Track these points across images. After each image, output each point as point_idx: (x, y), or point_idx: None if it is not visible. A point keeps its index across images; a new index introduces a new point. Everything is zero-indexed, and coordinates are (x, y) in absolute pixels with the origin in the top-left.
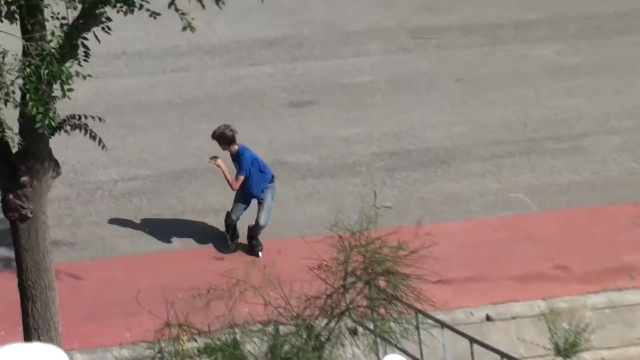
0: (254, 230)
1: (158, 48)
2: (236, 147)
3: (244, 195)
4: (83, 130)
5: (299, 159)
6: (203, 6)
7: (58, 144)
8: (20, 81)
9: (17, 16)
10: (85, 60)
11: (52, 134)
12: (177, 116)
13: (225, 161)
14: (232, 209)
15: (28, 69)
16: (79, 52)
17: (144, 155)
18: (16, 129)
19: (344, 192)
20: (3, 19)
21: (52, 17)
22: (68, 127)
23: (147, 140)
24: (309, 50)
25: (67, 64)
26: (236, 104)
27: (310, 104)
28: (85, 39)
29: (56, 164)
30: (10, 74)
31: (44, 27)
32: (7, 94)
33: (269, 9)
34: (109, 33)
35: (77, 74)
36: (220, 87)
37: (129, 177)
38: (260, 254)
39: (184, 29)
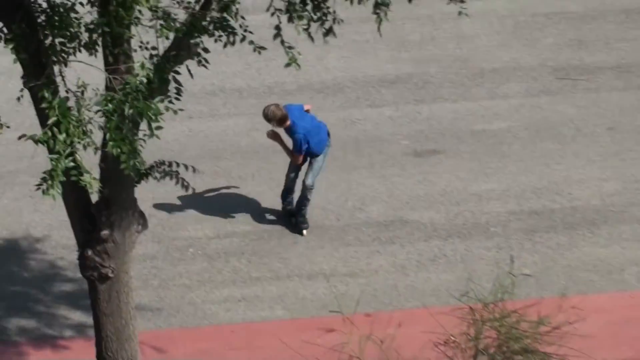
0: (301, 197)
1: (261, 85)
2: (289, 123)
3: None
4: (174, 179)
5: (423, 217)
6: (312, 39)
7: (144, 193)
8: (102, 121)
9: (98, 46)
10: (177, 99)
11: (138, 182)
12: (282, 164)
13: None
14: (288, 169)
15: (110, 104)
16: (169, 88)
17: (244, 209)
18: (96, 175)
19: (475, 256)
20: (82, 48)
21: (139, 47)
22: (157, 175)
23: (247, 191)
24: (436, 91)
25: (156, 100)
26: (351, 152)
27: (436, 153)
28: (178, 73)
29: (142, 217)
30: (89, 110)
31: (130, 58)
32: (84, 132)
33: (390, 42)
34: (205, 67)
35: (167, 109)
36: (333, 131)
37: (226, 234)
38: (304, 232)
39: (288, 65)
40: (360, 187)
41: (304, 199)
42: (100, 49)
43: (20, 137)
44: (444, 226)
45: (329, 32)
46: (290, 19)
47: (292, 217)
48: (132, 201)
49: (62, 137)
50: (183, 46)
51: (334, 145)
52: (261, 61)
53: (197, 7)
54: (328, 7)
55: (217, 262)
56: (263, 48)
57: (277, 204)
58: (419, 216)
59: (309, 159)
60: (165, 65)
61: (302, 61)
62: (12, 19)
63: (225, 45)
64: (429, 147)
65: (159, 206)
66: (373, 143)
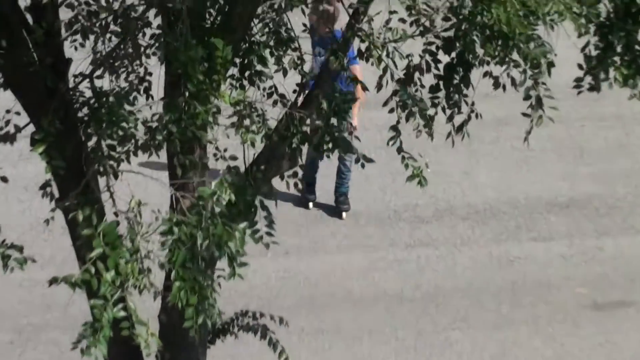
0: (339, 167)
1: (385, 208)
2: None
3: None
4: (259, 336)
5: None
6: (430, 136)
7: (220, 356)
8: (163, 255)
9: (161, 148)
10: (268, 234)
11: (212, 342)
12: (411, 317)
13: None
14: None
15: (176, 229)
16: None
17: None
18: (155, 330)
19: None
20: (137, 151)
21: (214, 155)
22: (236, 330)
23: (362, 355)
24: (625, 219)
25: (241, 226)
26: (506, 302)
27: (624, 306)
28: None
29: None
30: (147, 241)
31: (204, 170)
32: (140, 271)
33: (563, 151)
34: (299, 192)
35: (256, 241)
36: (482, 273)
37: None
38: (344, 214)
39: (410, 178)
40: (518, 349)
41: (343, 169)
42: (162, 153)
43: (50, 282)
44: None
45: (460, 129)
46: (408, 117)
47: (309, 201)
48: None
49: (109, 275)
50: (274, 157)
51: (484, 291)
52: (386, 175)
53: (299, 102)
54: (466, 96)
55: None
56: (371, 160)
57: None
58: None
59: None
60: (249, 184)
61: (443, 176)
62: (43, 112)
63: (328, 156)
64: (614, 298)
65: None
66: (537, 290)
